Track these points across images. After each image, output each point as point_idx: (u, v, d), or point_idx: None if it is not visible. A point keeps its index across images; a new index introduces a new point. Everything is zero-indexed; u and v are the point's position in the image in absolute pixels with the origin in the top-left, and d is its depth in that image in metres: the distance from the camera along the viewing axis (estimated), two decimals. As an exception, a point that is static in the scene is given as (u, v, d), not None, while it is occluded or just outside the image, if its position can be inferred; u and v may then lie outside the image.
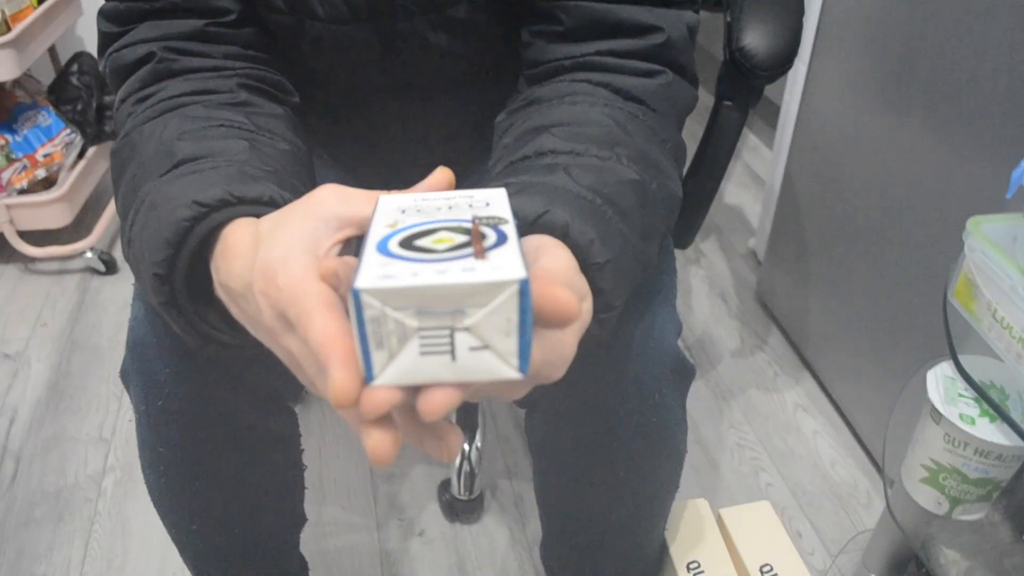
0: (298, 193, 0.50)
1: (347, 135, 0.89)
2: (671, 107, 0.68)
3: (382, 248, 0.37)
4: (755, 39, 0.95)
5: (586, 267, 0.50)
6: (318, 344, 0.36)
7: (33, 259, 2.01)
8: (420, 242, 0.38)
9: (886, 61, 1.31)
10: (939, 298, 0.80)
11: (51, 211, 1.87)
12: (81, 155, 2.03)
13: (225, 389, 0.72)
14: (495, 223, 0.40)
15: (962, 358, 0.77)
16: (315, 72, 0.80)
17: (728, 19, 0.98)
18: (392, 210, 0.43)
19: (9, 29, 1.71)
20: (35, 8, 1.84)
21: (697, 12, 0.73)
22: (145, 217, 0.54)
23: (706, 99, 1.00)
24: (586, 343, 0.46)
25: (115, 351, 1.72)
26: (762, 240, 1.84)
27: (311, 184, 0.61)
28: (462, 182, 0.85)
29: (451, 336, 0.35)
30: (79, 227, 2.04)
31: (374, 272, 0.35)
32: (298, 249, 0.42)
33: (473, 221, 0.40)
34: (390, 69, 0.79)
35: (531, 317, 0.35)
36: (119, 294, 1.90)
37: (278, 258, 0.41)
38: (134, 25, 0.71)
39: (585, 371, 0.63)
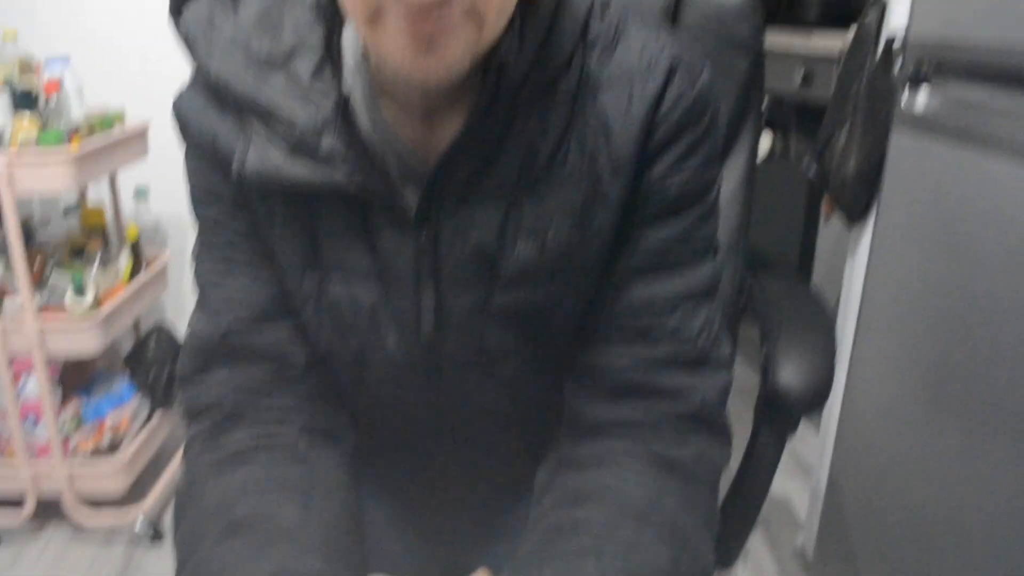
0: (344, 556, 0.53)
1: (397, 467, 0.93)
2: (705, 472, 0.72)
3: None
4: (791, 376, 0.98)
5: None
6: None
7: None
8: None
9: (925, 358, 1.34)
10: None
11: (111, 478, 1.92)
12: (147, 420, 2.11)
13: None
14: None
15: None
16: (371, 414, 0.86)
17: (764, 352, 1.03)
18: None
19: (100, 307, 1.85)
20: (125, 285, 1.99)
21: (731, 371, 0.78)
22: None
23: (746, 415, 1.03)
24: None
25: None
26: (810, 536, 1.80)
27: (359, 539, 0.64)
28: (500, 518, 0.88)
29: None
30: (133, 490, 2.09)
31: None
32: None
33: None
34: (440, 416, 0.84)
35: None
36: (163, 566, 1.90)
37: None
38: (209, 365, 0.78)
39: None
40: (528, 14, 0.67)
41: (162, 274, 2.13)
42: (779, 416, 1.00)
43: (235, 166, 0.70)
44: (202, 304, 0.81)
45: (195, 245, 0.82)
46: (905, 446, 1.40)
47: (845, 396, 1.61)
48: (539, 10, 0.68)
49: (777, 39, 2.18)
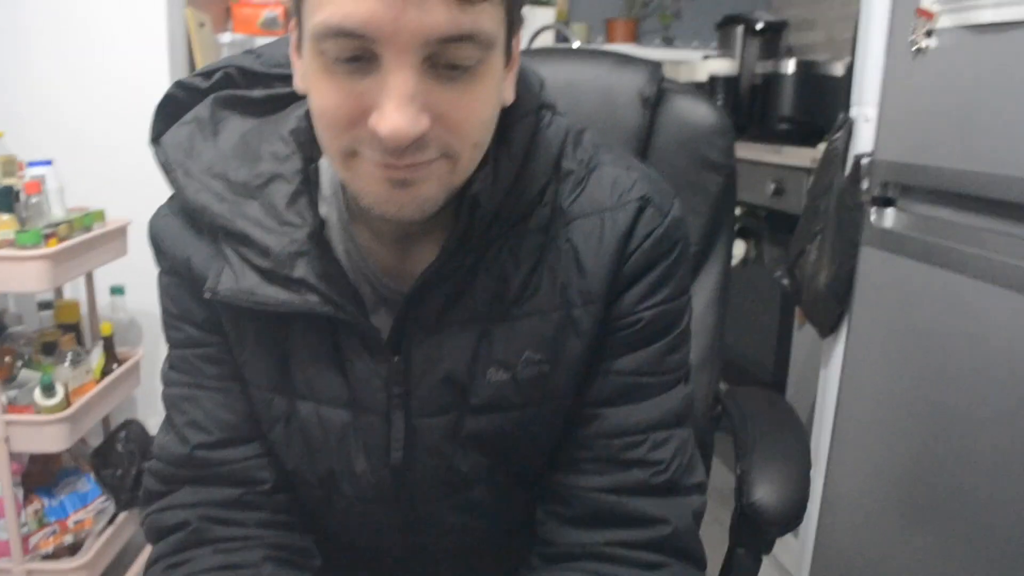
0: None
1: None
2: None
3: None
4: (766, 494, 0.97)
5: None
6: None
7: (40, 628, 1.96)
8: None
9: (900, 466, 1.34)
10: None
11: (70, 580, 1.86)
12: (111, 520, 2.06)
13: None
14: None
15: None
16: (339, 535, 0.85)
17: (739, 471, 1.03)
18: None
19: (69, 405, 1.82)
20: (97, 383, 1.97)
21: (704, 495, 0.78)
22: None
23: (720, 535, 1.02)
24: None
25: None
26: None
27: None
28: None
29: None
30: (93, 595, 2.01)
31: None
32: None
33: None
34: (409, 539, 0.83)
35: None
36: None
37: None
38: (177, 487, 0.77)
39: None
40: (502, 148, 0.69)
41: (135, 371, 2.10)
42: (755, 535, 0.99)
43: (208, 286, 0.71)
44: (170, 424, 0.81)
45: (164, 366, 0.82)
46: (884, 553, 1.39)
47: (823, 503, 1.60)
48: (513, 145, 0.70)
49: (749, 151, 2.25)
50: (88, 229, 1.85)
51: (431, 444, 0.76)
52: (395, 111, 0.58)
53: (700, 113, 1.14)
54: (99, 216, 1.91)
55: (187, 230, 0.75)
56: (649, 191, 0.75)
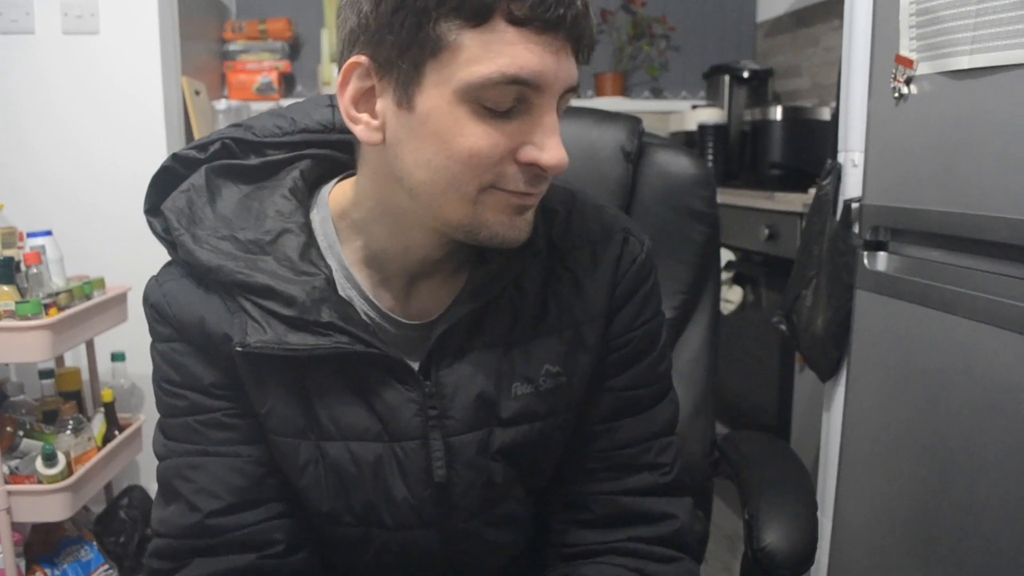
0: None
1: None
2: None
3: None
4: (776, 538, 0.98)
5: None
6: None
7: None
8: None
9: (907, 508, 1.33)
10: None
11: (72, 656, 1.84)
12: (114, 590, 2.04)
13: None
14: None
15: None
16: (375, 569, 0.87)
17: (746, 516, 1.03)
18: None
19: (72, 473, 1.81)
20: (98, 450, 1.96)
21: (690, 494, 0.90)
22: None
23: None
24: None
25: None
26: None
27: None
28: None
29: None
30: (97, 667, 1.98)
31: None
32: None
33: None
34: (447, 561, 0.86)
35: None
36: None
37: None
38: (186, 561, 0.77)
39: None
40: None
41: (136, 437, 2.10)
42: None
43: (237, 340, 0.75)
44: (171, 498, 0.81)
45: (157, 438, 0.83)
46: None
47: (832, 548, 1.59)
48: None
49: (742, 198, 2.28)
50: (88, 297, 1.87)
51: (468, 459, 0.81)
52: (556, 145, 0.69)
53: (681, 165, 1.17)
54: (99, 284, 1.93)
55: (197, 291, 0.78)
56: (627, 224, 0.89)
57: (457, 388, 0.80)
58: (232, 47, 2.84)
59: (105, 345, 2.12)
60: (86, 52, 2.14)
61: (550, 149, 0.69)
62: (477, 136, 0.68)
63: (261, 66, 2.84)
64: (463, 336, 0.80)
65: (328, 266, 0.78)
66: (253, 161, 0.82)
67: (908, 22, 1.34)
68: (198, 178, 0.80)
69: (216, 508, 0.78)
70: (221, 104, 2.54)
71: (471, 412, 0.80)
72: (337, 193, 0.82)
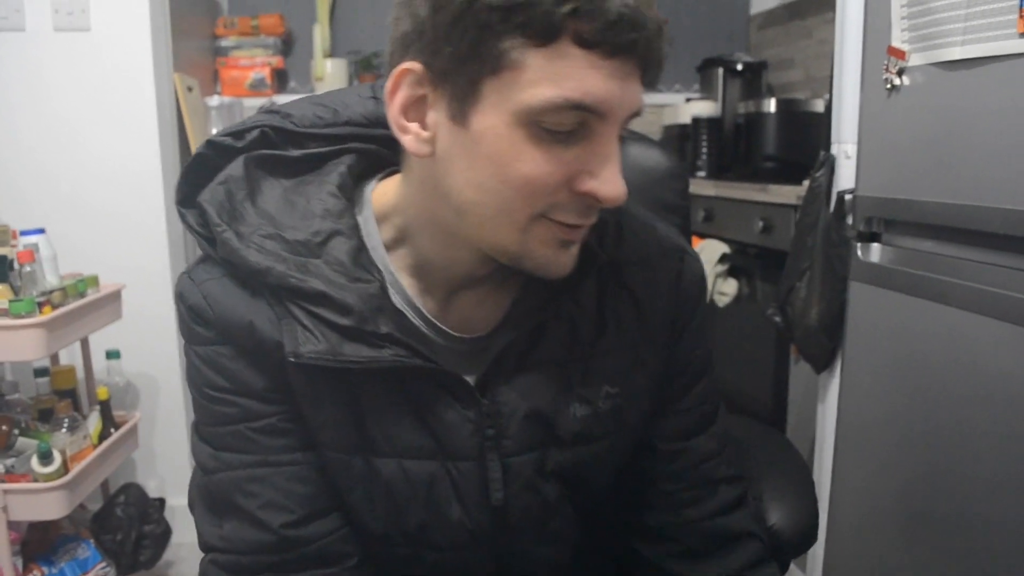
0: None
1: None
2: None
3: None
4: (781, 518, 1.01)
5: None
6: None
7: None
8: None
9: (903, 498, 1.34)
10: None
11: (70, 652, 1.84)
12: (111, 587, 2.04)
13: None
14: None
15: None
16: None
17: (750, 499, 1.04)
18: None
19: (67, 471, 1.81)
20: (95, 448, 1.96)
21: None
22: None
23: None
24: None
25: None
26: None
27: None
28: None
29: None
30: (95, 665, 1.99)
31: None
32: None
33: None
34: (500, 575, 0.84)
35: None
36: None
37: None
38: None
39: None
40: None
41: (133, 434, 2.10)
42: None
43: (290, 350, 0.70)
44: (230, 513, 0.76)
45: (203, 450, 0.78)
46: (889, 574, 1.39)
47: (828, 536, 1.59)
48: None
49: (736, 191, 2.28)
50: (82, 295, 1.86)
51: (524, 480, 0.79)
52: (616, 176, 0.66)
53: (653, 159, 1.17)
54: (93, 282, 1.92)
55: (241, 293, 0.73)
56: (680, 241, 0.87)
57: (515, 407, 0.76)
58: (224, 43, 2.83)
59: (100, 343, 2.11)
60: (77, 49, 2.13)
61: (609, 181, 0.65)
62: (535, 163, 0.64)
63: (254, 62, 2.83)
64: (520, 352, 0.77)
65: (380, 272, 0.74)
66: (295, 153, 0.77)
67: (900, 13, 1.34)
68: (236, 168, 0.75)
69: (288, 521, 0.75)
70: (214, 100, 2.53)
71: (527, 432, 0.77)
72: (379, 193, 0.77)
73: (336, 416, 0.75)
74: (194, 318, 0.75)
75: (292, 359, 0.70)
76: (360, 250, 0.73)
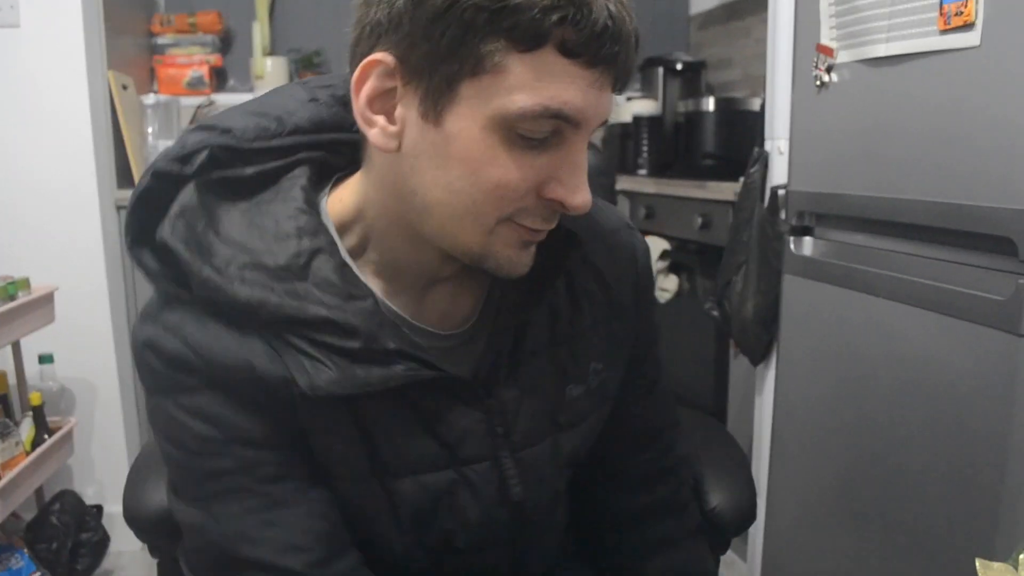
0: None
1: None
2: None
3: None
4: (722, 500, 1.05)
5: None
6: None
7: None
8: None
9: (836, 482, 1.38)
10: None
11: (3, 665, 1.79)
12: (47, 597, 1.99)
13: None
14: None
15: None
16: None
17: (691, 482, 1.07)
18: None
19: (-1, 479, 1.77)
20: (27, 455, 1.91)
21: None
22: None
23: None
24: None
25: None
26: None
27: None
28: None
29: None
30: (30, 677, 1.94)
31: None
32: None
33: None
34: (517, 561, 0.86)
35: None
36: None
37: None
38: None
39: None
40: None
41: (67, 440, 2.06)
42: (712, 539, 1.05)
43: (304, 385, 0.67)
44: (244, 567, 0.71)
45: (192, 515, 0.72)
46: (825, 563, 1.42)
47: (767, 522, 1.62)
48: None
49: (676, 188, 2.31)
50: (12, 298, 1.82)
51: (539, 471, 0.80)
52: (583, 184, 0.67)
53: None
54: (23, 284, 1.88)
55: (229, 332, 0.68)
56: (621, 214, 0.91)
57: (518, 400, 0.77)
58: (161, 40, 2.78)
59: (32, 347, 2.06)
60: (6, 46, 2.07)
61: (578, 189, 0.66)
62: (507, 168, 0.63)
63: (191, 60, 2.78)
64: (511, 347, 0.76)
65: (367, 286, 0.71)
66: (248, 171, 0.71)
67: (828, 11, 1.37)
68: (189, 197, 0.69)
69: (311, 561, 0.71)
70: (150, 99, 2.48)
71: (533, 423, 0.78)
72: (335, 201, 0.74)
73: (348, 444, 0.72)
74: (175, 367, 0.68)
75: (310, 392, 0.66)
76: (343, 266, 0.70)
